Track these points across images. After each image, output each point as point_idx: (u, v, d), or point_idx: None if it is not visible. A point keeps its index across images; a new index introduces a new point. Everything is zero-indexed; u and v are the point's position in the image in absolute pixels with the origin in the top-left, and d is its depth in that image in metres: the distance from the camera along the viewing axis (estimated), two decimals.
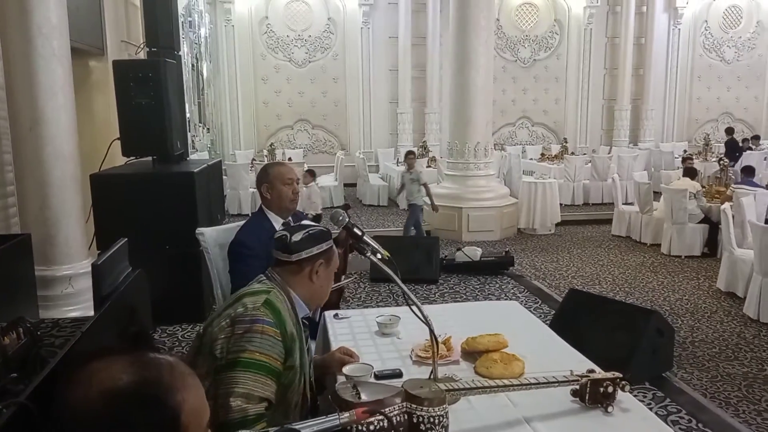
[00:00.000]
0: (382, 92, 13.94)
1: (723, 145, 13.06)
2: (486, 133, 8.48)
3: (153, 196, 4.01)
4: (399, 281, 1.97)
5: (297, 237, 1.90)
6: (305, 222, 2.01)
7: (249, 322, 1.71)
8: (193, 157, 9.21)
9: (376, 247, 2.13)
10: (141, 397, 0.79)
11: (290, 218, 3.13)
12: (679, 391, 3.77)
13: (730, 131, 12.85)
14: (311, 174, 8.55)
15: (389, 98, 14.03)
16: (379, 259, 2.15)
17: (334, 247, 1.98)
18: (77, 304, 4.15)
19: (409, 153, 8.17)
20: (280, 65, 13.54)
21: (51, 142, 4.08)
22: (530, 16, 14.43)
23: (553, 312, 4.74)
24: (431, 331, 1.98)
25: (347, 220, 2.22)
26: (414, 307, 1.99)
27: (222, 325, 1.73)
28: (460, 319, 2.71)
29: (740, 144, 13.16)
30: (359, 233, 2.15)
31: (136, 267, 2.52)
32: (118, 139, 4.10)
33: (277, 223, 3.06)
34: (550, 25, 14.53)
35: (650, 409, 3.44)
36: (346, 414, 1.34)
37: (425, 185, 7.61)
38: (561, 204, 9.59)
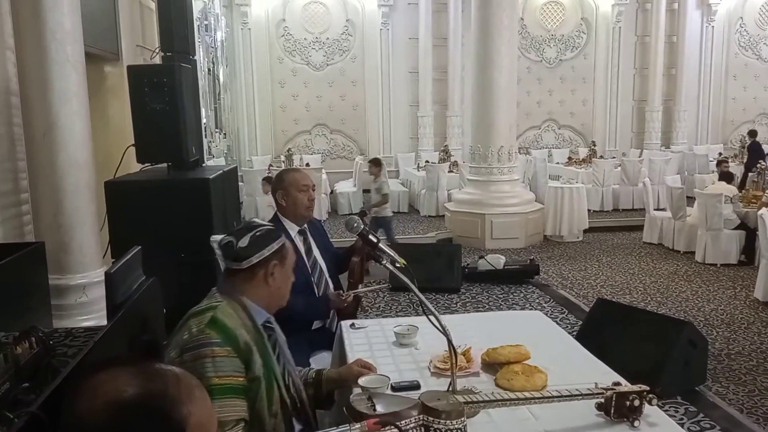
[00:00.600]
0: (402, 95, 13.99)
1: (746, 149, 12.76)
2: (510, 137, 8.46)
3: (168, 203, 4.07)
4: (415, 289, 1.98)
5: (244, 242, 1.85)
6: (251, 221, 1.95)
7: (196, 348, 1.67)
8: (209, 163, 9.32)
9: (392, 254, 2.14)
10: (146, 409, 0.81)
11: (306, 226, 3.16)
12: (713, 405, 3.71)
13: (753, 134, 12.56)
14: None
15: (409, 101, 14.06)
16: (395, 267, 2.16)
17: (287, 242, 1.94)
18: (91, 313, 4.22)
19: (373, 161, 7.78)
20: (298, 69, 13.67)
21: (65, 148, 4.17)
22: (556, 14, 14.37)
23: (580, 323, 4.69)
24: (449, 342, 1.98)
25: (362, 227, 2.24)
26: (432, 317, 1.99)
27: (172, 356, 1.69)
28: (480, 329, 2.70)
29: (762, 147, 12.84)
30: (374, 240, 2.16)
31: (150, 275, 2.56)
32: (132, 145, 4.17)
33: (293, 230, 3.09)
34: (576, 23, 14.45)
35: (682, 424, 3.39)
36: (357, 425, 1.35)
37: (385, 196, 7.34)
38: (589, 210, 9.52)
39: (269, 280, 1.88)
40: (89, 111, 4.47)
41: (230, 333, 1.72)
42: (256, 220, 1.98)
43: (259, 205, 10.12)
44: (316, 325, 2.99)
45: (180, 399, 0.83)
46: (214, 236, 1.86)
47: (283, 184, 3.09)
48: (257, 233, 1.88)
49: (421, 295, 2.00)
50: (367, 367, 2.17)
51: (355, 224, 2.25)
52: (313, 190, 3.14)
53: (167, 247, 3.97)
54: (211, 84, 11.80)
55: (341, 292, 2.88)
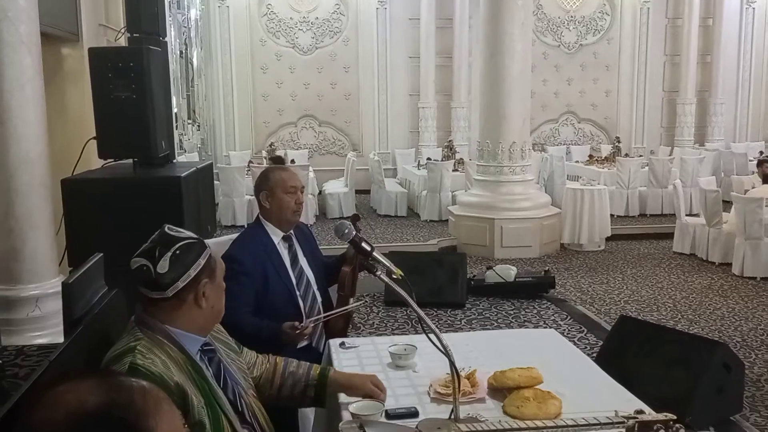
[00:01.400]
0: (401, 83, 14.02)
1: None
2: (523, 132, 8.50)
3: (133, 204, 4.08)
4: (413, 303, 2.00)
5: (164, 265, 1.77)
6: (165, 232, 1.84)
7: None
8: (180, 159, 9.33)
9: (388, 264, 2.16)
10: (110, 421, 0.83)
11: (292, 232, 3.18)
12: None
13: None
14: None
15: (409, 90, 14.10)
16: (391, 278, 2.18)
17: (212, 252, 1.88)
18: (45, 329, 4.22)
19: (274, 160, 7.73)
20: (283, 52, 13.70)
21: (17, 142, 4.18)
22: None
23: (601, 343, 4.72)
24: (451, 364, 2.00)
25: (354, 233, 2.26)
26: (432, 335, 2.01)
27: None
28: (487, 349, 2.72)
29: None
30: (368, 249, 2.18)
31: (113, 286, 2.58)
32: (94, 138, 4.17)
33: (276, 237, 3.11)
34: (599, 3, 14.54)
35: None
36: None
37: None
38: (612, 215, 9.55)
39: (201, 301, 1.83)
40: (45, 99, 4.47)
41: (154, 378, 1.67)
42: (169, 227, 1.87)
43: (237, 207, 10.14)
44: (302, 343, 3.00)
45: (146, 411, 0.85)
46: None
47: (269, 185, 3.11)
48: (177, 251, 1.79)
49: (420, 310, 2.02)
50: (380, 388, 2.18)
51: (346, 230, 2.27)
52: (302, 192, 3.16)
53: (133, 254, 3.97)
54: (184, 69, 11.82)
55: (296, 323, 2.76)
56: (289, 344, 2.79)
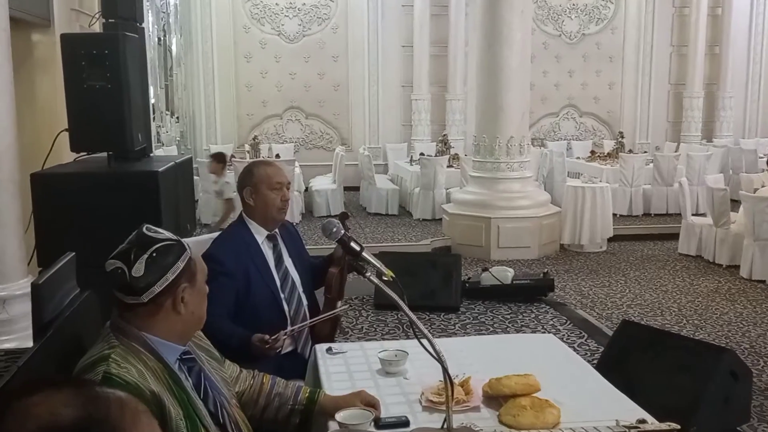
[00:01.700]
0: (393, 74, 14.04)
1: None
2: (521, 126, 8.52)
3: (108, 200, 4.06)
4: (404, 307, 2.01)
5: (139, 269, 1.76)
6: (142, 232, 1.83)
7: None
8: (158, 152, 9.30)
9: (378, 265, 2.17)
10: None
11: (277, 231, 3.18)
12: None
13: None
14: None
15: (402, 81, 14.11)
16: (381, 280, 2.18)
17: (192, 254, 1.87)
18: (12, 333, 4.21)
19: (215, 156, 7.59)
20: (267, 40, 13.68)
21: None
22: None
23: (602, 349, 4.74)
24: (444, 370, 2.01)
25: (342, 232, 2.26)
26: (424, 341, 2.02)
27: None
28: (482, 355, 2.74)
29: None
30: (357, 249, 2.19)
31: (86, 288, 2.57)
32: (66, 130, 4.16)
33: (260, 236, 3.11)
34: None
35: None
36: None
37: (229, 202, 7.14)
38: (615, 214, 9.59)
39: (179, 307, 1.82)
40: (13, 89, 4.45)
41: (130, 389, 1.66)
42: (147, 227, 1.87)
43: (218, 205, 10.09)
44: (285, 349, 3.01)
45: (124, 425, 0.85)
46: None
47: (253, 180, 3.11)
48: (154, 253, 1.78)
49: (411, 314, 2.03)
50: (372, 405, 2.18)
51: (334, 229, 2.27)
52: (288, 189, 3.16)
53: (107, 254, 3.96)
54: (162, 57, 11.78)
55: (267, 337, 2.72)
56: (261, 357, 2.76)
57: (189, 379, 1.88)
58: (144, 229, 1.86)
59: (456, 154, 11.97)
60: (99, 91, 4.10)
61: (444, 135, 12.95)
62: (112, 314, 1.85)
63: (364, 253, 2.20)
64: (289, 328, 2.94)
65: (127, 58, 4.18)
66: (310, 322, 2.98)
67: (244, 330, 2.84)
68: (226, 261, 2.91)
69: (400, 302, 2.02)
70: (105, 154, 4.39)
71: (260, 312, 2.98)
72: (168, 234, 1.87)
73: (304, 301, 3.13)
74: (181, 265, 1.82)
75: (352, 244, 2.22)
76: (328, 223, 2.29)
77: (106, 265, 1.80)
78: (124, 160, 4.48)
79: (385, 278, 2.16)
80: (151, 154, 5.31)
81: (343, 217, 3.06)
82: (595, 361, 4.37)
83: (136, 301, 1.78)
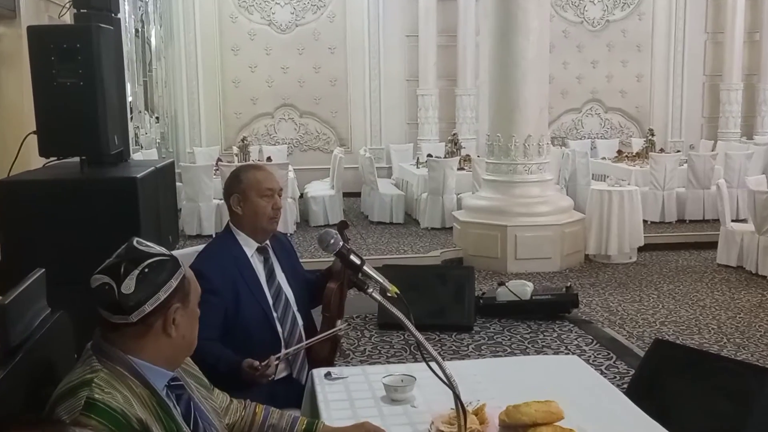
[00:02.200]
0: (397, 67, 14.07)
1: None
2: (540, 123, 8.53)
3: (81, 211, 4.07)
4: (410, 326, 2.01)
5: (129, 285, 1.77)
6: (132, 246, 1.85)
7: None
8: (136, 156, 9.32)
9: (381, 280, 2.17)
10: None
11: (268, 243, 3.19)
12: None
13: None
14: None
15: (406, 75, 14.14)
16: (385, 297, 2.18)
17: (186, 272, 1.89)
18: None
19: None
20: (257, 30, 13.72)
21: None
22: None
23: (632, 372, 4.73)
24: (456, 397, 2.01)
25: (341, 243, 2.26)
26: (433, 364, 2.02)
27: None
28: (498, 379, 2.74)
29: None
30: (358, 262, 2.19)
31: (58, 308, 2.58)
32: (34, 132, 4.17)
33: (250, 248, 3.12)
34: None
35: None
36: None
37: None
38: (645, 221, 9.58)
39: (170, 330, 1.84)
40: None
41: (114, 415, 1.68)
42: (138, 241, 1.88)
43: (203, 213, 10.14)
44: (279, 374, 3.01)
45: None
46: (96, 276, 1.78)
47: (240, 187, 3.12)
48: (146, 269, 1.80)
49: (418, 334, 2.03)
50: None
51: (332, 240, 2.27)
52: (280, 196, 3.17)
53: (80, 270, 3.97)
54: (140, 50, 11.82)
55: (257, 363, 2.74)
56: (253, 384, 2.77)
57: (177, 407, 1.89)
58: (134, 243, 1.87)
59: (467, 155, 11.98)
60: (70, 89, 4.12)
61: (454, 134, 12.95)
62: (94, 335, 1.86)
63: (365, 267, 2.20)
64: (283, 351, 2.95)
65: (101, 52, 4.19)
66: (306, 344, 2.98)
67: (233, 354, 2.85)
68: (213, 277, 2.92)
69: (406, 321, 2.03)
70: (77, 159, 4.40)
71: (251, 333, 2.98)
72: (160, 248, 1.89)
73: (300, 321, 3.14)
74: (174, 283, 1.83)
75: (352, 257, 2.22)
76: (324, 234, 2.30)
77: (91, 281, 1.82)
78: (99, 165, 4.49)
79: (389, 295, 2.16)
80: (129, 159, 5.33)
81: (341, 226, 3.06)
82: (625, 386, 4.35)
83: (124, 321, 1.79)
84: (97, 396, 1.70)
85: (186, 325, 1.88)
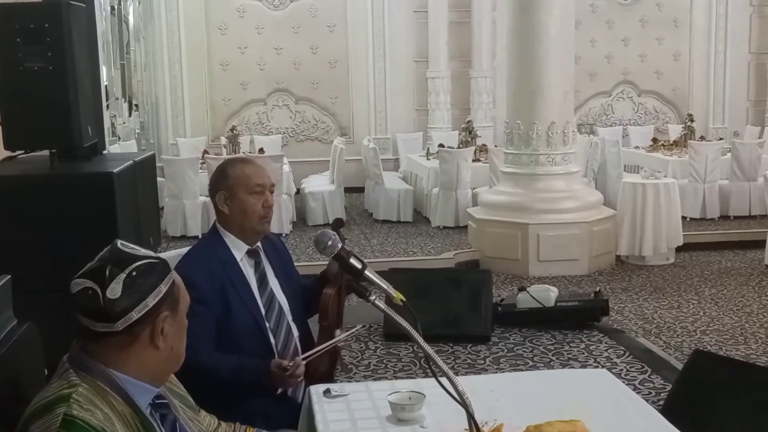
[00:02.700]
0: (404, 47, 14.07)
1: None
2: (565, 109, 8.51)
3: (50, 210, 4.09)
4: (417, 337, 2.01)
5: (115, 290, 1.78)
6: (117, 247, 1.86)
7: None
8: (112, 149, 9.34)
9: (384, 286, 2.17)
10: None
11: (260, 244, 3.19)
12: None
13: None
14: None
15: (414, 55, 14.13)
16: (391, 305, 2.19)
17: (176, 277, 1.91)
18: None
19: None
20: (247, 7, 13.73)
21: None
22: None
23: (669, 387, 4.73)
24: (470, 416, 2.01)
25: (339, 245, 2.27)
26: (444, 379, 2.02)
27: None
28: (518, 396, 2.73)
29: None
30: (358, 266, 2.20)
31: (25, 318, 2.59)
32: None
33: (239, 251, 3.12)
34: None
35: None
36: None
37: None
38: (684, 218, 9.55)
39: (158, 341, 1.85)
40: None
41: None
42: (123, 243, 1.89)
43: (188, 212, 10.14)
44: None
45: None
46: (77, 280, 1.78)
47: (227, 183, 3.12)
48: (134, 272, 1.81)
49: (426, 345, 2.03)
50: None
51: (329, 241, 2.28)
52: (272, 192, 3.17)
53: (50, 277, 3.98)
54: (117, 30, 11.84)
55: (287, 363, 2.84)
56: (280, 387, 2.90)
57: (161, 428, 1.91)
58: (119, 244, 1.88)
59: (484, 145, 11.97)
60: (38, 75, 4.13)
61: (468, 122, 12.93)
62: (71, 346, 1.86)
63: (366, 272, 2.20)
64: (307, 353, 3.00)
65: (72, 32, 4.21)
66: (332, 343, 3.03)
67: (251, 359, 2.93)
68: (201, 284, 2.92)
69: (412, 331, 2.03)
70: (47, 152, 4.41)
71: (241, 346, 2.99)
72: (147, 251, 1.90)
73: (295, 332, 3.14)
74: (163, 288, 1.84)
75: (352, 260, 2.22)
76: (321, 235, 2.30)
77: (71, 285, 1.82)
78: (71, 159, 4.50)
79: (394, 302, 2.17)
80: (105, 152, 5.34)
81: (336, 224, 3.06)
82: (661, 402, 4.34)
83: (108, 330, 1.79)
84: (75, 413, 1.70)
85: (174, 336, 1.89)
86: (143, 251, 1.89)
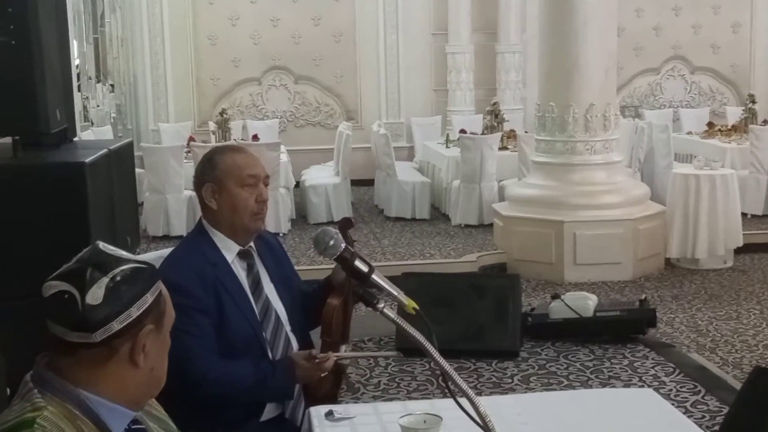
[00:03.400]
0: (420, 17, 14.07)
1: None
2: (606, 89, 8.50)
3: (13, 205, 4.12)
4: (431, 350, 2.01)
5: (97, 295, 1.76)
6: (104, 251, 1.86)
7: None
8: (85, 135, 9.36)
9: (395, 292, 2.17)
10: None
11: (253, 245, 3.20)
12: None
13: None
14: None
15: (432, 28, 14.13)
16: (404, 314, 2.19)
17: (163, 289, 1.91)
18: None
19: None
20: None
21: None
22: None
23: (726, 409, 4.72)
24: None
25: (343, 246, 2.27)
26: (462, 399, 2.03)
27: None
28: (550, 419, 2.74)
29: None
30: (364, 270, 2.20)
31: None
32: None
33: (230, 253, 3.13)
34: None
35: None
36: None
37: None
38: (744, 214, 9.52)
39: (138, 358, 1.83)
40: None
41: None
42: (104, 245, 1.89)
43: (171, 208, 10.16)
44: (268, 414, 3.03)
45: None
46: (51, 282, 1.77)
47: (215, 174, 3.13)
48: (118, 277, 1.80)
49: (442, 360, 2.04)
50: None
51: (331, 242, 2.27)
52: (266, 185, 3.18)
53: (12, 281, 4.01)
54: (89, 1, 11.86)
55: (314, 351, 2.93)
56: (308, 379, 3.03)
57: None
58: (100, 246, 1.87)
59: (512, 130, 11.95)
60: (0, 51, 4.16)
61: (494, 104, 12.90)
62: (35, 363, 1.85)
63: (374, 276, 2.21)
64: (343, 349, 3.11)
65: (37, 2, 4.23)
66: (366, 355, 3.13)
67: (261, 362, 3.02)
68: (195, 289, 2.93)
69: (425, 344, 2.03)
70: (9, 139, 4.44)
71: (237, 357, 3.00)
72: (132, 255, 1.90)
73: (294, 344, 3.15)
74: (150, 299, 1.83)
75: (357, 262, 2.22)
76: (321, 233, 2.30)
77: (44, 288, 1.80)
78: (37, 147, 4.54)
79: (407, 311, 2.17)
80: (75, 139, 5.38)
81: (344, 225, 3.07)
82: (716, 427, 4.34)
83: (84, 341, 1.77)
84: None
85: (156, 355, 1.88)
86: (128, 255, 1.88)
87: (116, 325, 1.77)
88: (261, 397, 3.05)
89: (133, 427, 1.92)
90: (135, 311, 1.80)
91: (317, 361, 2.91)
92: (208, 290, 3.01)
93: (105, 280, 1.77)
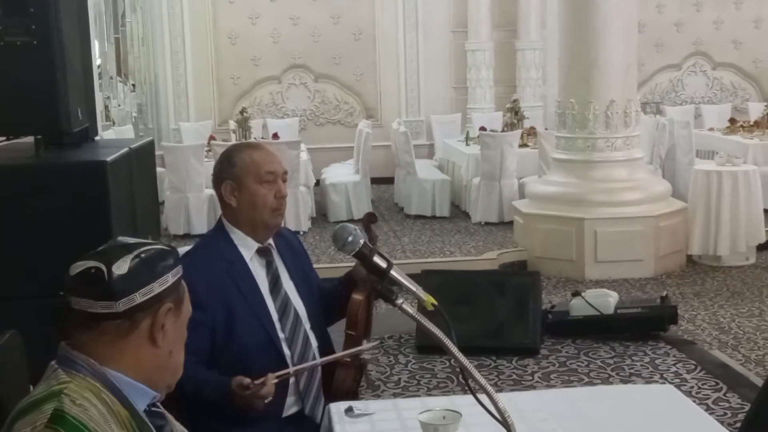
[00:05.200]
0: (440, 14, 14.06)
1: None
2: (627, 85, 8.47)
3: (35, 203, 4.14)
4: (450, 346, 2.02)
5: (122, 266, 1.84)
6: (125, 241, 1.94)
7: None
8: (106, 135, 9.40)
9: (413, 288, 2.18)
10: None
11: (272, 242, 3.21)
12: None
13: None
14: None
15: (452, 25, 14.12)
16: (424, 310, 2.20)
17: (185, 276, 1.96)
18: None
19: None
20: None
21: None
22: None
23: (748, 407, 4.70)
24: None
25: (362, 241, 2.27)
26: (482, 396, 2.03)
27: None
28: (570, 416, 2.74)
29: None
30: (383, 265, 2.20)
31: (7, 326, 2.63)
32: None
33: (248, 250, 3.14)
34: None
35: None
36: None
37: None
38: (767, 211, 9.47)
39: (158, 337, 1.88)
40: None
41: None
42: (123, 238, 1.96)
43: (192, 207, 10.20)
44: (289, 410, 3.03)
45: None
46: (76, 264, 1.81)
47: (234, 172, 3.14)
48: (142, 254, 1.87)
49: (461, 356, 2.04)
50: None
51: (350, 237, 2.28)
52: (285, 181, 3.19)
53: (33, 280, 4.04)
54: (110, 0, 11.92)
55: (248, 381, 2.78)
56: (244, 410, 2.83)
57: None
58: (121, 238, 1.96)
59: (532, 128, 11.94)
60: (20, 51, 4.18)
61: (514, 101, 12.89)
62: (59, 349, 1.88)
63: (392, 272, 2.21)
64: (292, 368, 2.98)
65: (59, 1, 4.25)
66: (322, 362, 3.02)
67: (220, 376, 2.90)
68: (198, 287, 2.94)
69: (445, 340, 2.04)
70: (31, 138, 4.47)
71: (249, 359, 2.99)
72: (154, 242, 1.97)
73: (314, 342, 3.16)
74: (171, 279, 1.89)
75: (376, 258, 2.23)
76: (340, 229, 2.31)
77: (70, 268, 1.87)
78: (58, 146, 4.56)
79: (426, 307, 2.18)
80: (97, 138, 5.40)
81: (369, 220, 3.07)
82: (738, 425, 4.32)
83: (108, 311, 1.82)
84: (67, 408, 1.72)
85: (174, 339, 1.93)
86: (147, 241, 1.95)
87: (138, 297, 1.84)
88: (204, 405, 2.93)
89: (153, 409, 1.95)
90: (157, 287, 1.86)
91: (250, 389, 2.78)
92: (215, 291, 3.02)
93: (130, 256, 1.85)
